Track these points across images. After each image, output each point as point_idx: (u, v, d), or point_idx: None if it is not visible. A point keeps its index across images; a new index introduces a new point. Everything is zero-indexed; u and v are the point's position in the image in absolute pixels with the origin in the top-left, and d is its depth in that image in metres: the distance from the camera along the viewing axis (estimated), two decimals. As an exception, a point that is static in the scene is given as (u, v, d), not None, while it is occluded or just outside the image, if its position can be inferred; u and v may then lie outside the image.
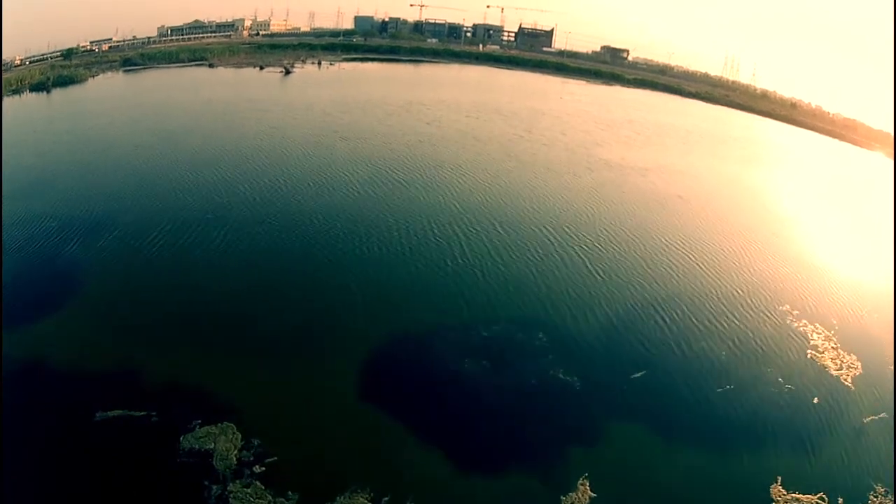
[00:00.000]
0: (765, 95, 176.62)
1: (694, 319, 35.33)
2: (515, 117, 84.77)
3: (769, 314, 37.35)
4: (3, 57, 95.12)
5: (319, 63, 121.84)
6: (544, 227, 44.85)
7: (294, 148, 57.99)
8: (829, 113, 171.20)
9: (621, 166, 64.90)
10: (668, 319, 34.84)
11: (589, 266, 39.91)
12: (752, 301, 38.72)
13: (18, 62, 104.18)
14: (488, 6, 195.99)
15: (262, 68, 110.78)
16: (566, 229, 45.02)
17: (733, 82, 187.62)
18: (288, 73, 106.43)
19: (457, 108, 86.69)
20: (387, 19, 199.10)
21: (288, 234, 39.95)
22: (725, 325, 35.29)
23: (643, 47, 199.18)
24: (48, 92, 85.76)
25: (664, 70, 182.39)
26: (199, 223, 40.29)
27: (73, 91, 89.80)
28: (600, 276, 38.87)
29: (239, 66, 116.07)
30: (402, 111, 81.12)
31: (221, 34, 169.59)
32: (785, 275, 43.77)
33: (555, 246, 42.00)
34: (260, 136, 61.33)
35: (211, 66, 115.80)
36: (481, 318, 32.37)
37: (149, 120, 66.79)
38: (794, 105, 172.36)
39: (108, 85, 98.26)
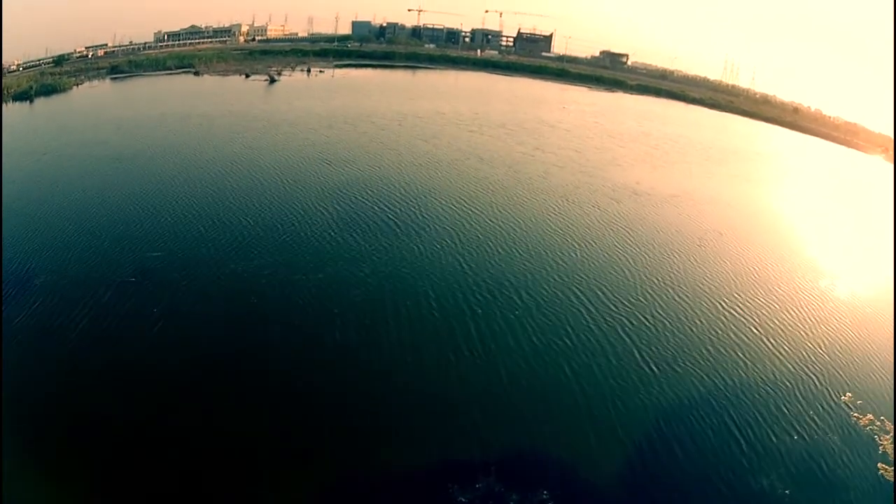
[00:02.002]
0: (766, 100, 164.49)
1: (770, 435, 24.04)
2: (522, 131, 72.28)
3: (837, 411, 26.32)
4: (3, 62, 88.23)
5: (308, 70, 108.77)
6: (574, 289, 32.68)
7: (266, 176, 45.65)
8: (829, 117, 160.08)
9: (648, 193, 52.61)
10: (742, 440, 23.52)
11: (638, 354, 27.85)
12: (824, 393, 27.56)
13: (14, 67, 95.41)
14: (486, 11, 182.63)
15: (247, 76, 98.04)
16: (601, 292, 32.84)
17: (733, 86, 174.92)
18: (273, 81, 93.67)
19: (456, 122, 74.21)
20: (384, 24, 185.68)
21: (231, 314, 27.96)
22: (796, 436, 24.19)
23: (642, 52, 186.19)
24: (31, 102, 75.86)
25: (664, 75, 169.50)
26: (129, 290, 29.11)
27: (53, 102, 78.87)
28: (653, 368, 27.02)
29: (225, 73, 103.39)
30: (396, 125, 68.67)
31: (218, 39, 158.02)
32: (850, 345, 32.29)
33: (591, 321, 29.88)
34: (230, 161, 49.04)
35: (196, 73, 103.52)
36: (478, 459, 20.64)
37: (114, 141, 54.56)
38: (796, 110, 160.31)
39: (89, 95, 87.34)
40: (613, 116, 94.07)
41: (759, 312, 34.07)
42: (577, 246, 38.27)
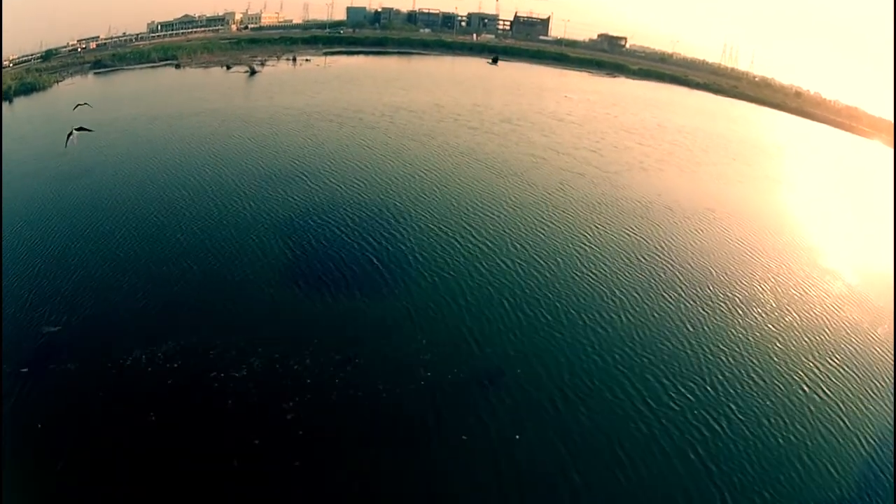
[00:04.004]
0: (767, 84, 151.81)
1: None
2: (528, 127, 60.23)
3: None
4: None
5: (294, 59, 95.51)
6: (625, 381, 21.55)
7: (219, 200, 33.91)
8: (828, 101, 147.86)
9: (682, 208, 41.15)
10: None
11: (718, 496, 17.28)
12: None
13: (8, 63, 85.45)
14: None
15: (228, 68, 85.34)
16: (661, 384, 21.72)
17: (732, 70, 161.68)
18: (253, 73, 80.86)
19: (455, 116, 62.13)
20: (380, 10, 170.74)
21: (120, 438, 17.14)
22: None
23: (640, 35, 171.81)
24: (10, 102, 65.73)
25: (664, 58, 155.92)
26: (17, 391, 18.08)
27: (29, 101, 67.73)
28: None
29: (207, 65, 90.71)
30: (386, 122, 56.69)
31: (210, 28, 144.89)
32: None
33: (652, 438, 19.05)
34: (183, 181, 37.09)
35: (178, 66, 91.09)
36: None
37: (65, 154, 42.62)
38: (798, 94, 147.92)
39: (65, 94, 75.03)
40: (623, 106, 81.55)
41: (851, 404, 23.36)
42: (618, 302, 26.84)
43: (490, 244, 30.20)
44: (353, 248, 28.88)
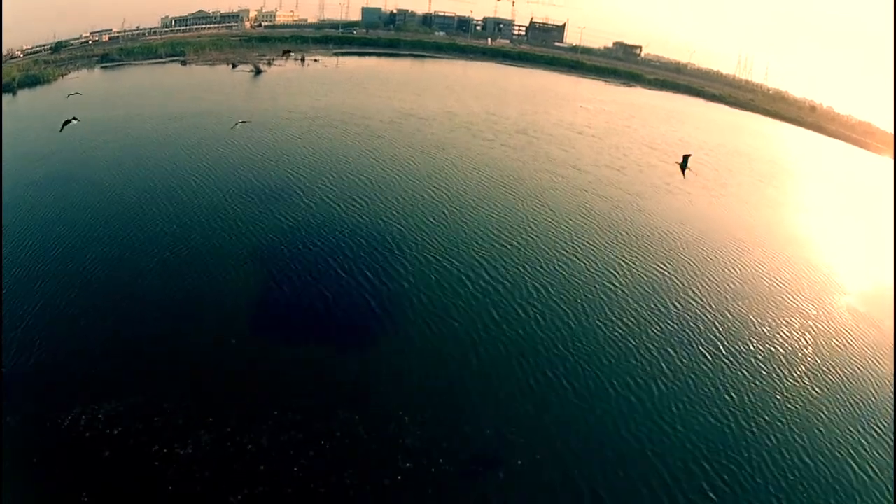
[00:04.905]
0: (781, 97, 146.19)
1: None
2: (546, 140, 55.66)
3: None
4: (8, 47, 79.65)
5: (302, 59, 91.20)
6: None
7: (192, 225, 29.64)
8: (842, 116, 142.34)
9: (711, 236, 37.00)
10: None
11: None
12: None
13: (19, 54, 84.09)
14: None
15: (234, 66, 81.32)
16: None
17: (747, 82, 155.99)
18: (258, 72, 76.66)
19: (468, 125, 57.67)
20: (395, 11, 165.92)
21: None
22: None
23: (656, 42, 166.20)
24: (14, 94, 63.87)
25: (679, 68, 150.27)
26: None
27: (31, 94, 64.96)
28: None
29: (214, 62, 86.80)
30: (394, 130, 52.39)
31: (224, 25, 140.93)
32: None
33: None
34: (162, 195, 33.05)
35: (184, 63, 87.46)
36: None
37: (47, 157, 39.01)
38: (813, 108, 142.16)
39: (65, 88, 71.65)
40: (642, 118, 76.64)
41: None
42: (651, 364, 22.21)
43: (505, 285, 25.83)
44: (345, 284, 24.69)
